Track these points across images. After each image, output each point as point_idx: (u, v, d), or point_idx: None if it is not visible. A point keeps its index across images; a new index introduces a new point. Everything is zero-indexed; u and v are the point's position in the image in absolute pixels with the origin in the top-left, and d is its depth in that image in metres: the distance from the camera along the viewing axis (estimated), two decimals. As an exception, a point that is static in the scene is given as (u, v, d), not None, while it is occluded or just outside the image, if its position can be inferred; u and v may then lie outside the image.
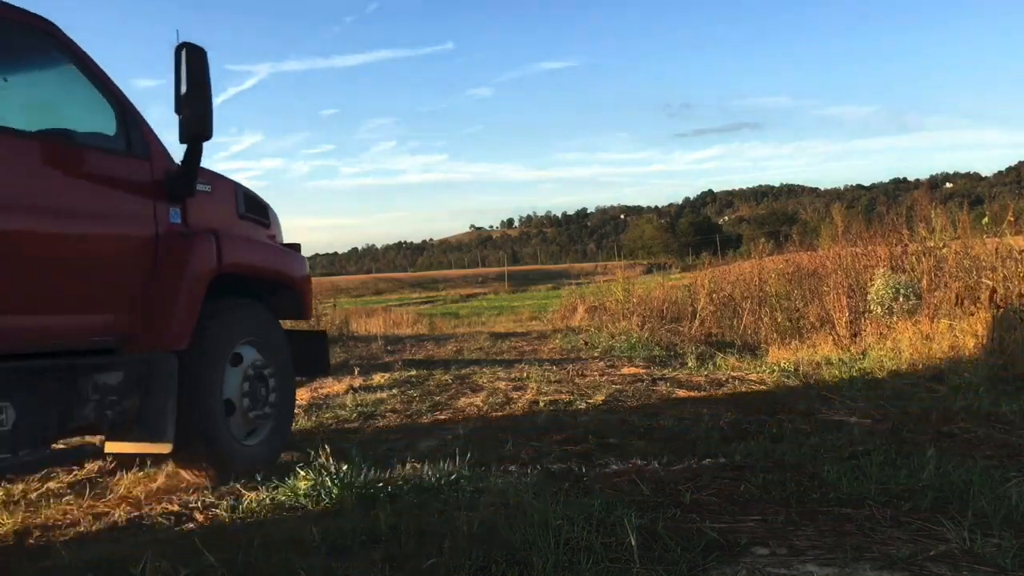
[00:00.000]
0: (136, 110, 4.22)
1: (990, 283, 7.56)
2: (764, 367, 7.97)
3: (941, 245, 9.10)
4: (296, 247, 5.46)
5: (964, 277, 8.19)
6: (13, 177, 3.49)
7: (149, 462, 4.53)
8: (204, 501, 3.93)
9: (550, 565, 2.73)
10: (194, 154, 4.22)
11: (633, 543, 2.87)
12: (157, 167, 4.23)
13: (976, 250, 8.79)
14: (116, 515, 3.76)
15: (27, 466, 3.74)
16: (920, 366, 6.93)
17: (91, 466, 4.92)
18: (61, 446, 3.98)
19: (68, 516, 3.84)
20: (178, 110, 4.10)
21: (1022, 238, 8.74)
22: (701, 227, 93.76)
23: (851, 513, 3.32)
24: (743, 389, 6.80)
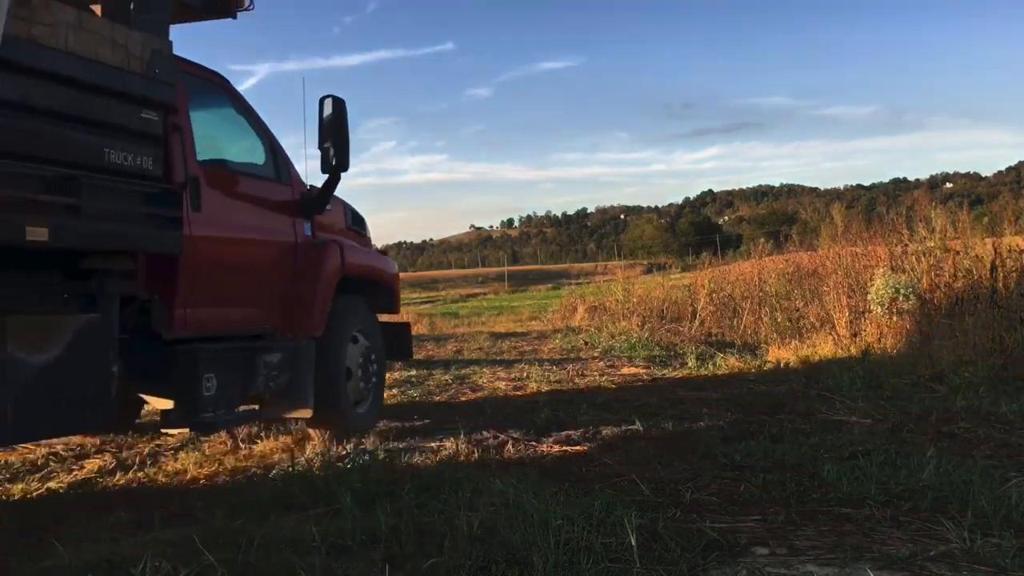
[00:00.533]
0: (279, 144, 5.36)
1: (990, 283, 7.56)
2: (764, 367, 7.97)
3: (941, 245, 9.10)
4: (384, 252, 6.67)
5: (964, 277, 8.19)
6: (218, 200, 4.61)
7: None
8: (204, 501, 3.93)
9: (550, 565, 2.73)
10: (333, 182, 5.46)
11: (633, 543, 2.87)
12: (295, 190, 5.40)
13: (976, 250, 8.80)
14: (117, 515, 3.76)
15: (221, 424, 4.73)
16: (920, 366, 6.93)
17: (91, 465, 4.93)
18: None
19: (69, 516, 3.84)
20: (321, 146, 5.26)
21: (1022, 238, 8.75)
22: (701, 227, 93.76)
23: (851, 513, 3.32)
24: (743, 389, 6.80)
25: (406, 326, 6.92)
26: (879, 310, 8.80)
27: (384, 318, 6.45)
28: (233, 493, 4.03)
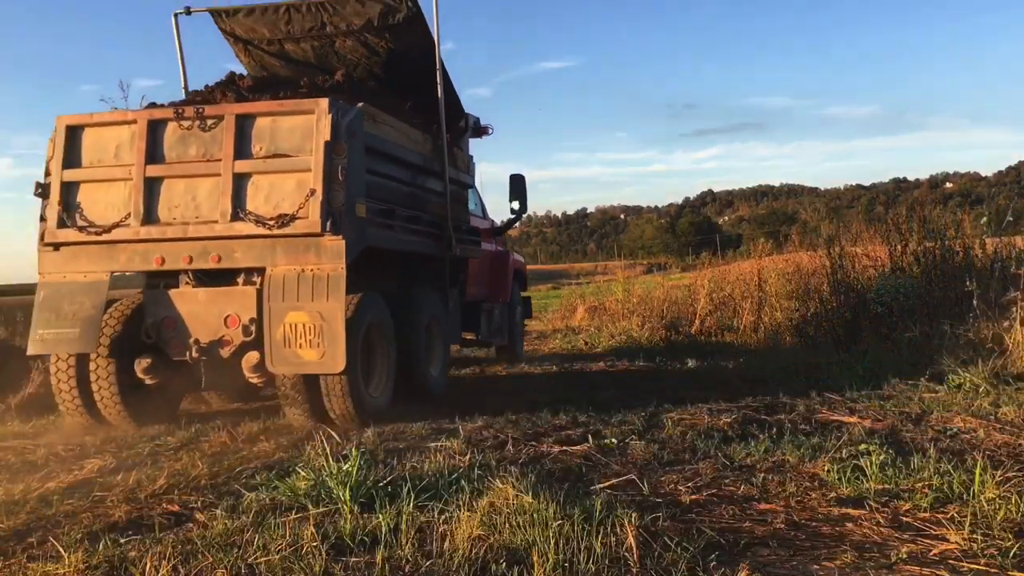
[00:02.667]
0: (480, 196, 9.97)
1: (990, 283, 7.56)
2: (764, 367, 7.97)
3: (941, 245, 9.09)
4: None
5: (964, 277, 8.18)
6: (486, 239, 9.48)
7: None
8: (204, 501, 3.94)
9: (550, 565, 2.73)
10: (512, 221, 10.72)
11: (633, 543, 2.87)
12: (488, 221, 10.09)
13: (976, 250, 8.80)
14: (117, 515, 3.76)
15: (494, 342, 10.18)
16: (920, 366, 6.93)
17: (91, 465, 4.92)
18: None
19: (69, 516, 3.84)
20: (509, 201, 10.04)
21: (1022, 238, 8.74)
22: (701, 227, 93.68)
23: (851, 513, 3.32)
24: (743, 389, 6.79)
25: (529, 299, 12.10)
26: (879, 310, 8.80)
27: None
28: (233, 493, 4.03)
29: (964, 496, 3.42)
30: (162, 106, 6.35)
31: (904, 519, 3.22)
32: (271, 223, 5.73)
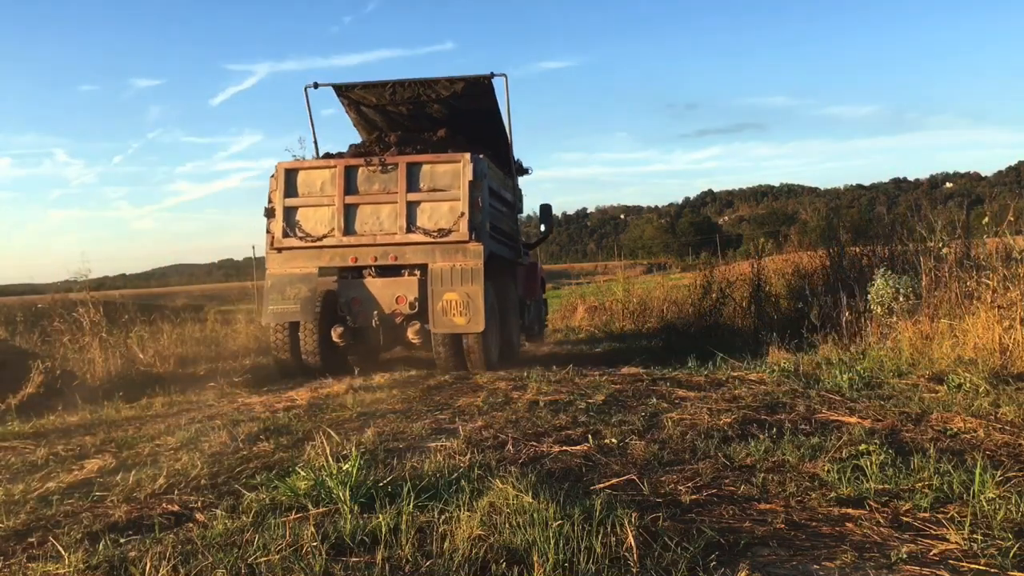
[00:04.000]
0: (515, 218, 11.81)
1: (990, 283, 7.56)
2: (764, 367, 7.97)
3: (941, 245, 9.09)
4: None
5: (964, 277, 8.19)
6: (531, 270, 12.68)
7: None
8: (204, 501, 3.94)
9: (550, 565, 2.73)
10: (541, 240, 13.96)
11: (633, 543, 2.87)
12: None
13: (976, 250, 8.80)
14: (117, 515, 3.76)
15: (536, 334, 13.54)
16: (920, 366, 6.93)
17: (91, 466, 4.93)
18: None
19: (69, 516, 3.84)
20: (540, 224, 13.44)
21: (1022, 238, 8.74)
22: (701, 227, 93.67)
23: (851, 513, 3.32)
24: (743, 389, 6.79)
25: (547, 299, 15.10)
26: (879, 310, 8.79)
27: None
28: (233, 493, 4.03)
29: (964, 496, 3.42)
30: (341, 155, 10.03)
31: (904, 519, 3.22)
32: (434, 234, 9.05)
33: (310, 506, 3.60)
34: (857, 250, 10.84)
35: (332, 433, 5.05)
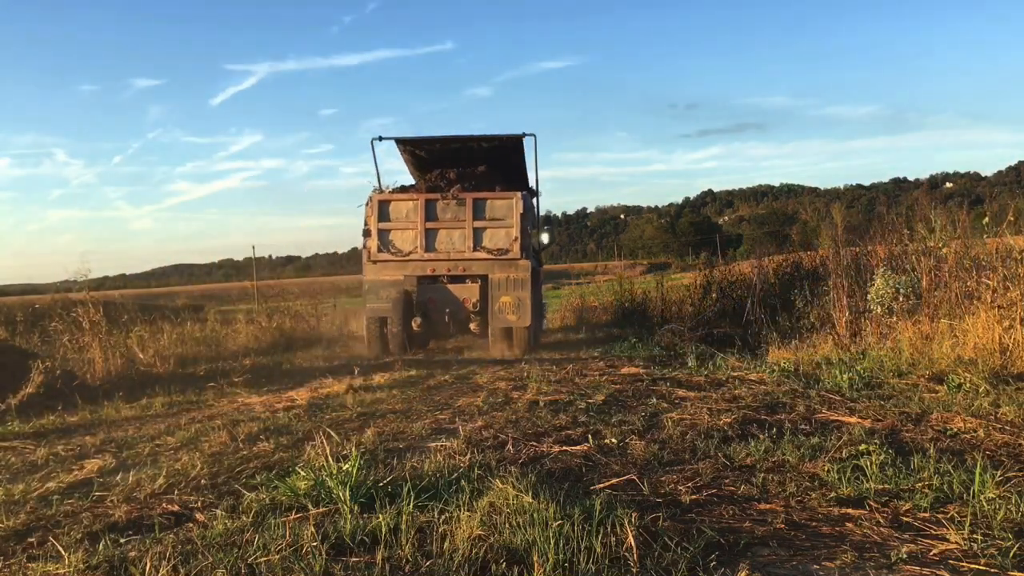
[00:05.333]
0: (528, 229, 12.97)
1: (990, 283, 7.56)
2: (764, 367, 7.97)
3: (941, 245, 9.09)
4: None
5: (964, 277, 8.19)
6: (536, 276, 13.72)
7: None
8: (204, 501, 3.94)
9: (550, 565, 2.73)
10: (547, 247, 14.74)
11: (633, 543, 2.87)
12: (532, 254, 12.58)
13: (976, 250, 8.79)
14: (117, 515, 3.76)
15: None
16: (920, 366, 6.93)
17: (91, 466, 4.92)
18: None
19: (69, 516, 3.84)
20: (542, 235, 14.00)
21: (1022, 238, 8.73)
22: (701, 227, 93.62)
23: (851, 513, 3.32)
24: (743, 389, 6.80)
25: (545, 300, 17.02)
26: (879, 310, 8.79)
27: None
28: (233, 493, 4.03)
29: (964, 496, 3.42)
30: (415, 187, 13.32)
31: (904, 519, 3.22)
32: (494, 253, 12.12)
33: (310, 506, 3.60)
34: (857, 250, 10.83)
35: (332, 433, 5.05)
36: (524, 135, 13.06)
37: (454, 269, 12.27)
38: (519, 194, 12.14)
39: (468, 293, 12.35)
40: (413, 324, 12.17)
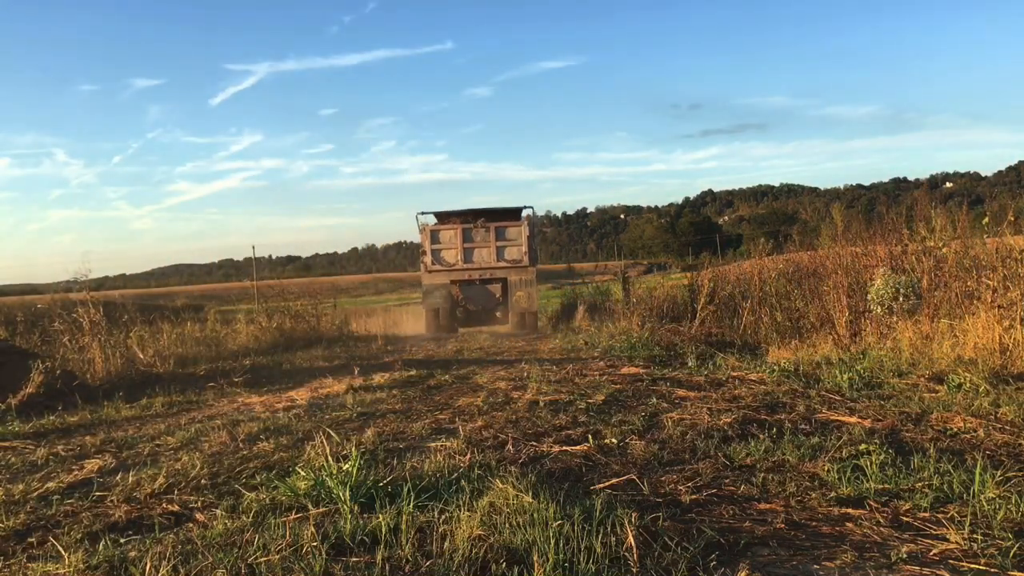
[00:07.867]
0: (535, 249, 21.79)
1: (990, 283, 7.56)
2: (764, 367, 7.97)
3: (941, 245, 9.09)
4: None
5: (964, 277, 8.19)
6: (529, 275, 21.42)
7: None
8: (204, 501, 3.93)
9: (550, 565, 2.73)
10: (538, 256, 22.01)
11: (633, 543, 2.87)
12: (530, 257, 20.52)
13: (976, 250, 8.79)
14: (117, 515, 3.76)
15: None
16: (920, 366, 6.93)
17: (91, 466, 4.92)
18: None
19: (69, 516, 3.84)
20: (536, 252, 21.40)
21: (1022, 238, 8.73)
22: (701, 227, 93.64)
23: (851, 513, 3.32)
24: (743, 389, 6.79)
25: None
26: (879, 310, 8.79)
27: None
28: (233, 493, 4.03)
29: (964, 496, 3.41)
30: (452, 216, 20.82)
31: (904, 519, 3.22)
32: (511, 262, 19.88)
33: (310, 506, 3.60)
34: (857, 250, 10.83)
35: (332, 433, 5.05)
36: (525, 207, 21.07)
37: (484, 275, 19.90)
38: (527, 220, 19.98)
39: (495, 290, 20.39)
40: (457, 312, 20.32)
